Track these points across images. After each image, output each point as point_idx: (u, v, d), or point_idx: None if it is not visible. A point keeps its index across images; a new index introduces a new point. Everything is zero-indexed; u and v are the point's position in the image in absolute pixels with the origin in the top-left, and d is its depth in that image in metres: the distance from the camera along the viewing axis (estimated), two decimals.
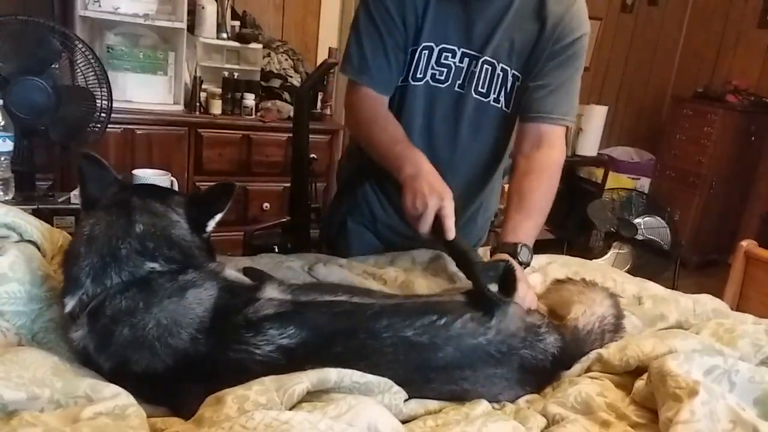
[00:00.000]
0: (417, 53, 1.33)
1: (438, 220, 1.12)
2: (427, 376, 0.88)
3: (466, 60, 1.34)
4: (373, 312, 0.90)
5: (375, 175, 1.45)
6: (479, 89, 1.35)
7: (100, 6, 2.76)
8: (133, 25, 2.87)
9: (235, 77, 3.10)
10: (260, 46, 3.19)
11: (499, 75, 1.34)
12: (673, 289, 1.41)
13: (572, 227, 3.96)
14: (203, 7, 3.01)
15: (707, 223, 4.51)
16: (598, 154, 4.25)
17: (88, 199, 0.94)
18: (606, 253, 3.56)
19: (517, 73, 1.35)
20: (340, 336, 0.86)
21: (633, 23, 4.78)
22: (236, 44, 3.13)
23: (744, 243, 2.18)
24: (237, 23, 3.20)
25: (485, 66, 1.33)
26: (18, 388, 0.72)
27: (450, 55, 1.33)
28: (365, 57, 1.33)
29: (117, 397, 0.77)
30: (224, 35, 3.11)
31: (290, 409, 0.75)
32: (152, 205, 0.92)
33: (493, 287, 0.98)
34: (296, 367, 0.79)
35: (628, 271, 2.20)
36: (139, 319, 0.82)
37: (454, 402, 0.90)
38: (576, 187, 4.41)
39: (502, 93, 1.36)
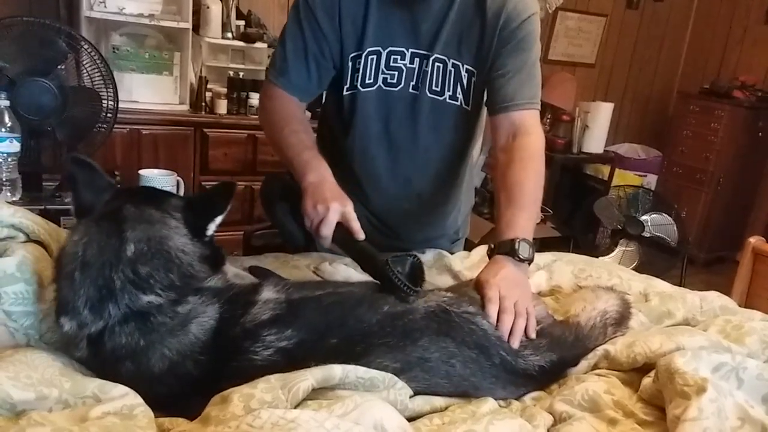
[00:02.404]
0: (363, 59, 1.31)
1: (342, 226, 1.11)
2: (422, 355, 0.89)
3: (417, 60, 1.32)
4: (355, 299, 0.93)
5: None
6: (433, 88, 1.34)
7: (105, 7, 2.76)
8: (138, 25, 2.86)
9: (241, 77, 3.10)
10: (265, 45, 3.18)
11: (451, 71, 1.33)
12: (680, 286, 1.41)
13: (579, 225, 3.95)
14: (208, 7, 3.01)
15: (714, 219, 4.48)
16: (604, 151, 4.23)
17: (82, 206, 0.89)
18: (613, 251, 3.55)
19: (470, 67, 1.33)
20: (333, 328, 0.87)
21: (639, 20, 4.75)
22: (241, 44, 3.13)
23: (752, 239, 2.16)
24: (242, 23, 3.19)
25: (436, 64, 1.32)
26: (26, 388, 0.73)
27: (399, 57, 1.32)
28: (286, 60, 1.32)
29: (125, 396, 0.77)
30: (229, 35, 3.11)
31: (296, 407, 0.75)
32: (147, 213, 0.86)
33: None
34: (296, 366, 0.80)
35: (634, 269, 2.19)
36: (142, 356, 0.81)
37: (459, 399, 0.90)
38: (582, 184, 4.40)
39: (459, 89, 1.34)
